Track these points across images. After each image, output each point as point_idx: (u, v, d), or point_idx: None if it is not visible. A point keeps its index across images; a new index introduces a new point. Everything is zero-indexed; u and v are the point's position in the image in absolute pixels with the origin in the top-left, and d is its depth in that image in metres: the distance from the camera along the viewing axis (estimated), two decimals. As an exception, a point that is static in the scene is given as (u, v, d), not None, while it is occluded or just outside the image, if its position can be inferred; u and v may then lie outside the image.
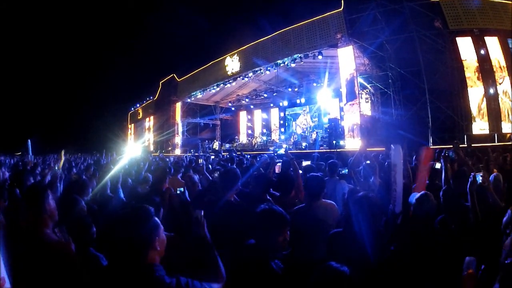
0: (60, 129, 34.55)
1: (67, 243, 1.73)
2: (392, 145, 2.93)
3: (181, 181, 4.50)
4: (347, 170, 4.13)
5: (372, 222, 2.04)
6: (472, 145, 8.00)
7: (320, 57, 13.98)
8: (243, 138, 23.60)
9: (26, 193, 2.05)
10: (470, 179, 2.47)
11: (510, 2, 11.86)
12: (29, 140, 10.39)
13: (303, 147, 15.16)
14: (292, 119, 21.58)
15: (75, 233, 1.95)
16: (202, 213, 1.64)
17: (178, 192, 2.90)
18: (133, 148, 22.98)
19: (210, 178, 4.46)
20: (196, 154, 15.47)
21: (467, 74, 11.72)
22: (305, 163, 5.05)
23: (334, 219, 2.77)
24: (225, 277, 1.56)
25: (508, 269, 1.57)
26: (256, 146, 18.73)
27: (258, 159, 7.11)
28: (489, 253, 1.90)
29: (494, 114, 11.49)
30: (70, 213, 2.26)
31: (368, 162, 4.11)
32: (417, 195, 2.51)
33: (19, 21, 31.85)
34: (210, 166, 5.96)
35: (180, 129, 23.75)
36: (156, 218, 1.41)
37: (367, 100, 14.34)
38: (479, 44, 11.74)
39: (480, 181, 2.47)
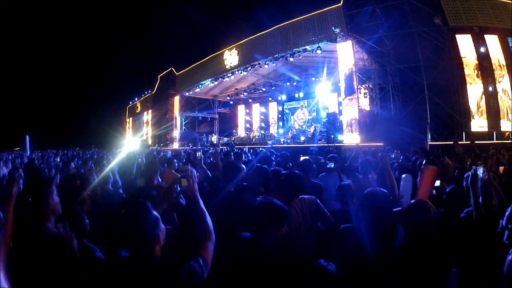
0: (58, 124, 34.35)
1: (68, 237, 1.73)
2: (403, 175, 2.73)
3: (176, 174, 4.48)
4: (333, 165, 4.08)
5: (380, 219, 2.01)
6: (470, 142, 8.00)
7: (319, 51, 13.92)
8: (241, 132, 23.57)
9: (30, 187, 2.05)
10: (470, 173, 2.33)
11: (510, 1, 11.82)
12: (27, 136, 10.24)
13: (302, 141, 15.19)
14: (290, 113, 21.57)
15: (69, 225, 1.95)
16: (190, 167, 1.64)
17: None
18: (131, 142, 22.92)
19: (209, 172, 4.45)
20: (194, 148, 15.46)
21: (466, 71, 11.70)
22: (303, 157, 5.03)
23: (313, 212, 2.55)
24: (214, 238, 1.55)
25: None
26: (254, 140, 18.74)
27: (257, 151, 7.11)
28: (494, 249, 1.87)
29: (493, 112, 11.50)
30: (69, 207, 2.26)
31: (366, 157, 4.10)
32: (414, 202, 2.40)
33: (17, 16, 31.48)
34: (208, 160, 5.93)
35: (178, 123, 23.68)
36: (155, 212, 1.43)
37: (365, 95, 14.31)
38: (479, 42, 11.71)
39: (481, 176, 2.36)
